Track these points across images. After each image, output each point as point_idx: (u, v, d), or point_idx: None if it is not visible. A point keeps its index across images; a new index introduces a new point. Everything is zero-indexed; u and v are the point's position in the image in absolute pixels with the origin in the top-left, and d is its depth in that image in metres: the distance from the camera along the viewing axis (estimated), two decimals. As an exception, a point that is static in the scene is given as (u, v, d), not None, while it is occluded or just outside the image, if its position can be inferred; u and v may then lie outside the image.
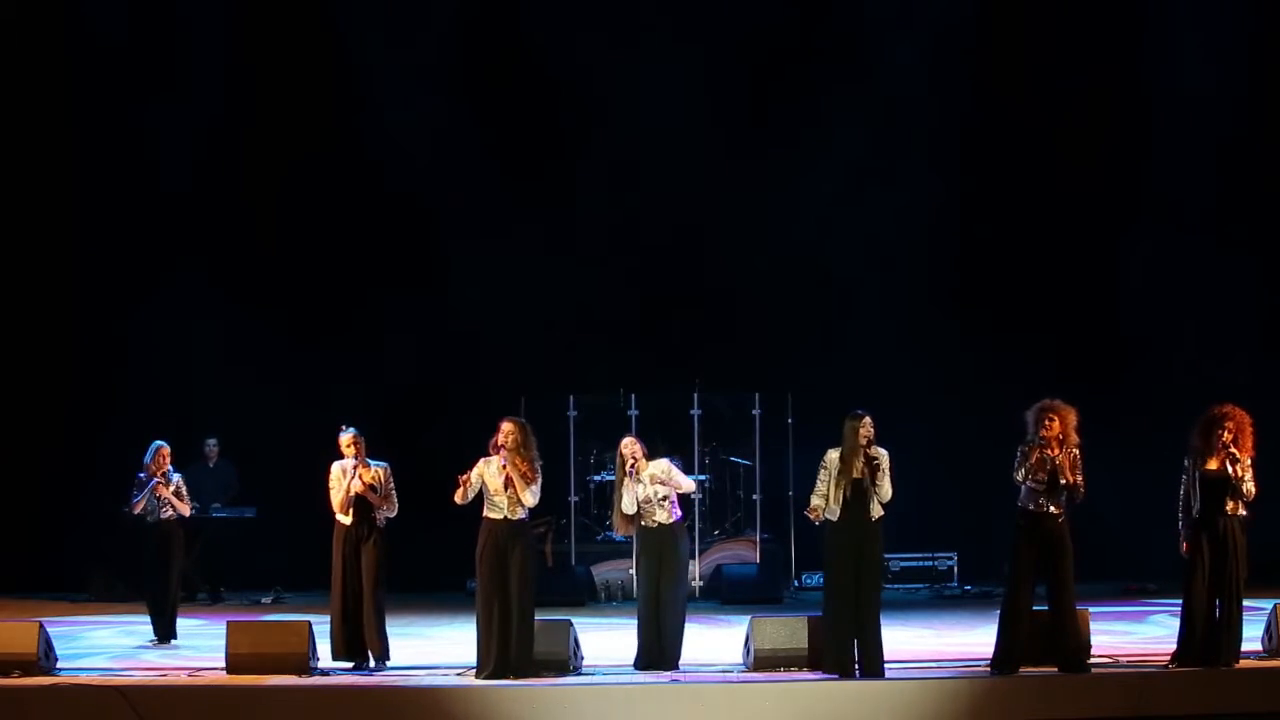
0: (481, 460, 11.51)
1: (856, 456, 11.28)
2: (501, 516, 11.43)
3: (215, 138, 18.42)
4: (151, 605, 13.73)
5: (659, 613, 11.79)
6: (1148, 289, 18.52)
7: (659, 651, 11.76)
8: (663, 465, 11.90)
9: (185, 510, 13.75)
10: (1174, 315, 18.41)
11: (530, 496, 11.45)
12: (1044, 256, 18.59)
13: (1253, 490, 11.34)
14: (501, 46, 18.65)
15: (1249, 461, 11.32)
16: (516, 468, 11.39)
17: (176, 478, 13.65)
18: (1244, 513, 11.38)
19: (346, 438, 11.94)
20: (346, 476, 11.91)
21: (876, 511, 11.34)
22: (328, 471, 12.00)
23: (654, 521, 11.84)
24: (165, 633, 13.58)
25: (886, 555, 15.01)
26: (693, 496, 15.94)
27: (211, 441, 17.51)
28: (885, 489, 11.32)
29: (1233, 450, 11.28)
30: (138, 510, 13.61)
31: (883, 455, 11.35)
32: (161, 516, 13.60)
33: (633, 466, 11.80)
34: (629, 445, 11.91)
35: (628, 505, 11.87)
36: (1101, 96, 18.56)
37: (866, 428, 11.30)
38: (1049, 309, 18.47)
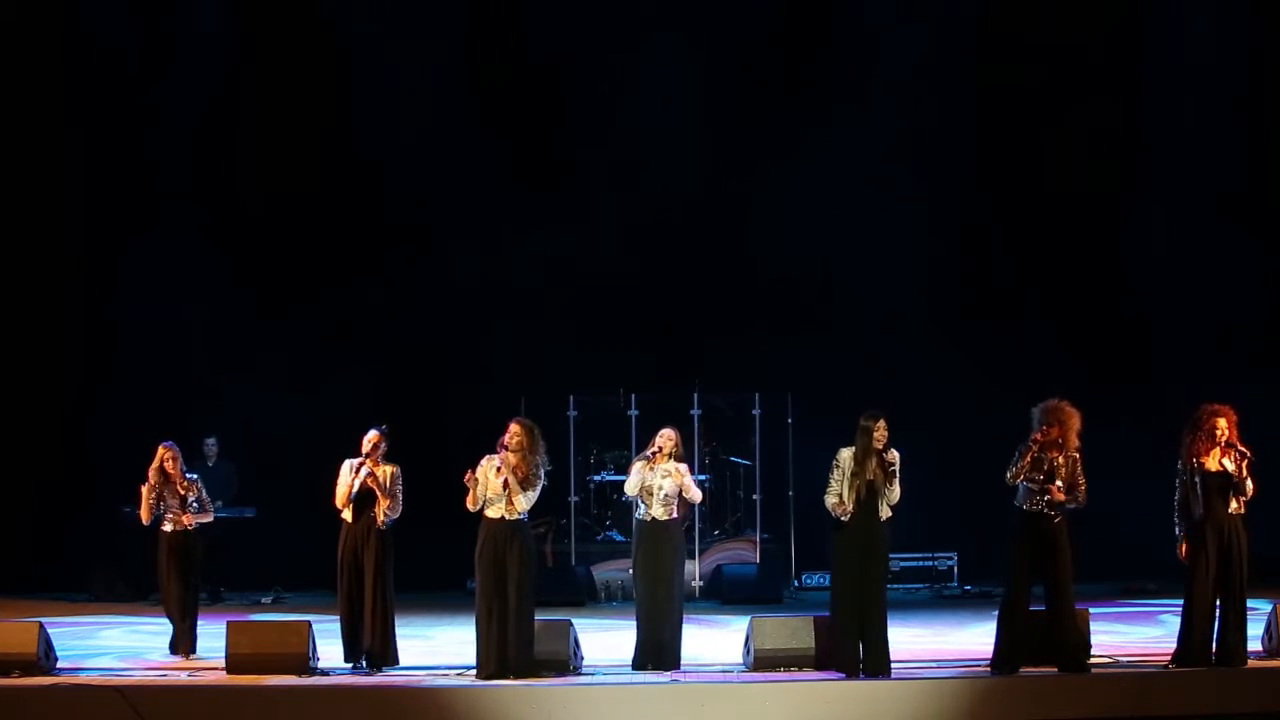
0: (485, 458, 11.52)
1: (870, 458, 11.29)
2: (499, 516, 11.43)
3: (214, 132, 18.42)
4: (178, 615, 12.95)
5: (655, 611, 11.79)
6: (1150, 287, 18.52)
7: (657, 651, 11.76)
8: (680, 468, 11.93)
9: (189, 520, 12.97)
10: (1176, 313, 18.41)
11: (523, 501, 11.44)
12: (1045, 256, 18.59)
13: (1251, 488, 11.32)
14: (503, 43, 18.65)
15: (1244, 454, 11.31)
16: (514, 470, 11.38)
17: (193, 479, 12.98)
18: (1244, 511, 11.38)
19: (374, 436, 11.95)
20: (352, 473, 11.93)
21: (885, 513, 11.35)
22: (338, 468, 12.03)
23: (650, 515, 11.86)
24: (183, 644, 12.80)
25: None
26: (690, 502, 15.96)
27: (210, 441, 17.50)
28: (895, 492, 11.33)
29: (1239, 447, 11.28)
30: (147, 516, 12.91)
31: (896, 457, 11.36)
32: (168, 526, 12.84)
33: (653, 452, 11.87)
34: (663, 436, 11.97)
35: (630, 487, 11.97)
36: (1104, 91, 18.54)
37: (881, 430, 11.31)
38: (1050, 308, 18.47)
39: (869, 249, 18.26)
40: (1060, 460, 11.28)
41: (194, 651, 12.72)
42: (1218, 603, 11.37)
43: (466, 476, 11.42)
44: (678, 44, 18.28)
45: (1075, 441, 11.33)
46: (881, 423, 11.32)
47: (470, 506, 11.52)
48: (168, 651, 12.82)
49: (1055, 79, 18.39)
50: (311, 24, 18.41)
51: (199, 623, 12.98)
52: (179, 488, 12.78)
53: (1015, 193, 18.57)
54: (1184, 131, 18.43)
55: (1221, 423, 11.30)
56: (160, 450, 12.89)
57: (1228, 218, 18.39)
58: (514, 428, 11.51)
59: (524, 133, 18.52)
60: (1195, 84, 18.43)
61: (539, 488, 11.52)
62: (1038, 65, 18.37)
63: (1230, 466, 11.29)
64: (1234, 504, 11.32)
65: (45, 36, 18.24)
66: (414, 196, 18.49)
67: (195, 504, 12.88)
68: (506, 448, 11.44)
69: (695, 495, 12.23)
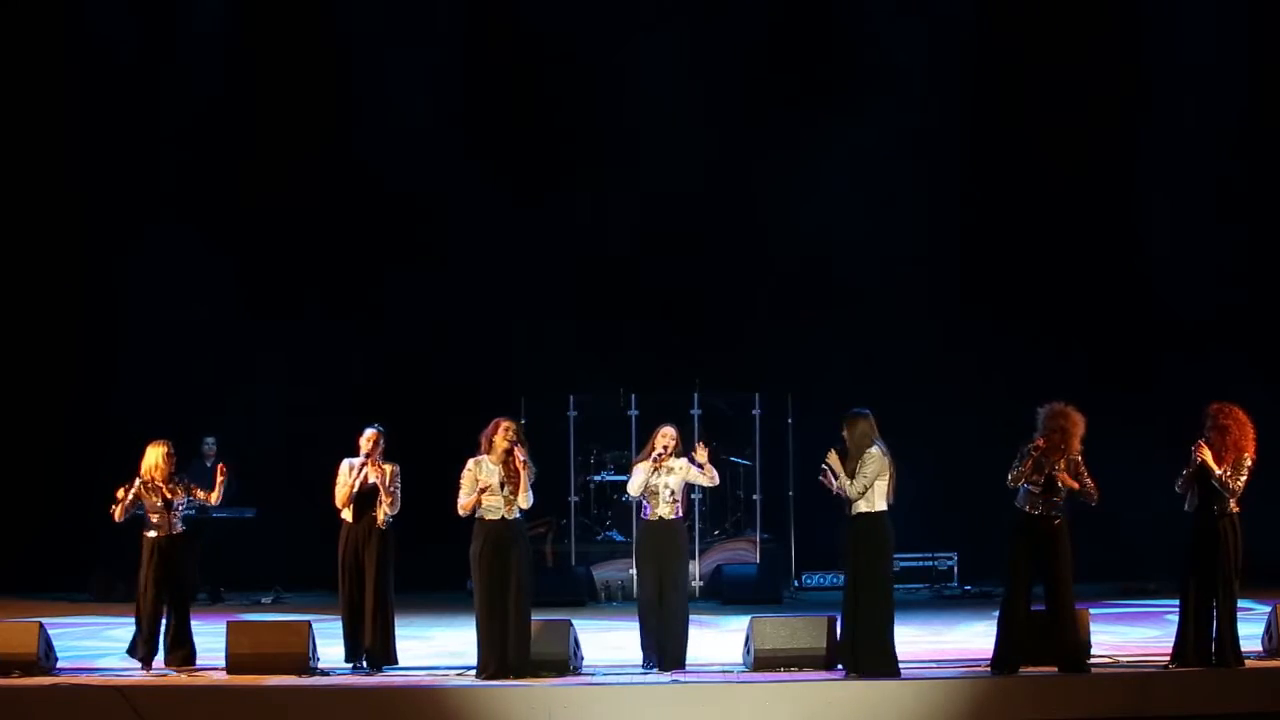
0: (472, 461, 11.49)
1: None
2: (499, 517, 11.41)
3: (215, 133, 18.44)
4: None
5: (665, 611, 11.72)
6: (1151, 286, 18.52)
7: (662, 650, 11.70)
8: (681, 464, 11.86)
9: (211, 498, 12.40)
10: (1177, 313, 18.40)
11: (528, 497, 11.45)
12: (1046, 255, 18.59)
13: (1239, 488, 11.28)
14: (503, 42, 18.66)
15: (1246, 459, 11.29)
16: (523, 464, 11.37)
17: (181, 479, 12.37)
18: (1236, 509, 11.34)
19: (372, 435, 11.93)
20: (353, 473, 11.92)
21: (859, 508, 11.31)
22: (337, 468, 12.02)
23: (656, 515, 11.81)
24: (144, 650, 12.07)
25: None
26: (693, 496, 15.99)
27: (210, 440, 17.47)
28: (848, 488, 11.29)
29: (1230, 449, 11.25)
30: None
31: (869, 457, 11.30)
32: (153, 532, 12.11)
33: (659, 455, 11.77)
34: (666, 435, 11.84)
35: (634, 487, 11.88)
36: (1104, 90, 18.54)
37: (846, 429, 11.39)
38: (1050, 307, 18.48)
39: (869, 249, 18.27)
40: (1062, 465, 11.28)
41: (152, 658, 12.01)
42: (1214, 602, 11.36)
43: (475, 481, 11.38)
44: (677, 45, 18.30)
45: (1078, 447, 11.32)
46: (845, 422, 11.40)
47: (462, 512, 11.49)
48: (125, 654, 12.21)
49: (1055, 78, 18.39)
50: (310, 24, 18.43)
51: (194, 623, 12.71)
52: (166, 491, 12.14)
53: (1015, 193, 18.57)
54: (1185, 131, 18.44)
55: (1226, 421, 11.28)
56: (162, 446, 12.22)
57: (1229, 217, 18.40)
58: (512, 425, 11.48)
59: (524, 132, 18.53)
60: (1196, 84, 18.44)
61: None
62: (1038, 64, 18.38)
63: (1219, 470, 11.26)
64: (1230, 505, 11.30)
65: (46, 39, 18.25)
66: (413, 196, 18.49)
67: (183, 507, 12.26)
68: (515, 444, 11.40)
69: (714, 478, 12.06)
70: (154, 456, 12.24)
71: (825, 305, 18.56)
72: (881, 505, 11.35)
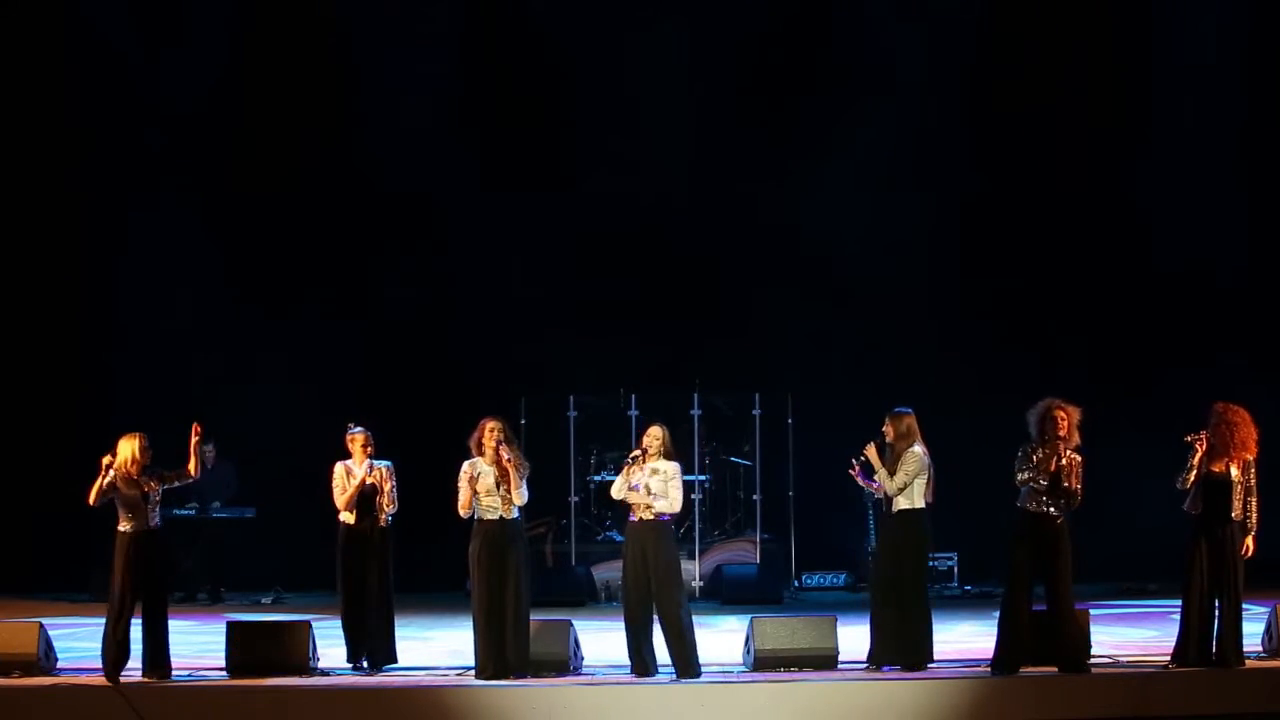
0: (467, 464, 11.47)
1: None
2: (497, 517, 11.40)
3: (212, 132, 18.44)
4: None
5: (647, 615, 11.43)
6: (1151, 288, 18.51)
7: (646, 661, 11.44)
8: (669, 469, 11.54)
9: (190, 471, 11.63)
10: (1177, 314, 18.40)
11: (522, 494, 11.42)
12: (1045, 256, 18.58)
13: (1254, 502, 11.29)
14: (502, 42, 18.66)
15: (1249, 458, 11.30)
16: (515, 463, 11.35)
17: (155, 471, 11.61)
18: (1245, 515, 11.33)
19: (361, 436, 11.92)
20: (350, 475, 11.90)
21: (898, 504, 11.57)
22: (330, 472, 12.00)
23: (638, 516, 11.54)
24: (113, 655, 11.52)
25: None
26: (693, 496, 15.84)
27: (208, 446, 17.43)
28: (888, 484, 11.53)
29: (1236, 447, 11.25)
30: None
31: (910, 456, 11.54)
32: (126, 526, 11.56)
33: (635, 455, 11.57)
34: (650, 435, 11.61)
35: (616, 489, 11.67)
36: (1106, 90, 18.54)
37: (886, 425, 11.65)
38: (1050, 308, 18.47)
39: (870, 249, 18.25)
40: (1065, 460, 11.28)
41: (122, 665, 11.44)
42: (1216, 603, 11.36)
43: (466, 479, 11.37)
44: (678, 43, 18.30)
45: (1077, 438, 11.34)
46: (888, 418, 11.64)
47: (463, 512, 11.48)
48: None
49: (1056, 79, 18.38)
50: (310, 23, 18.42)
51: (193, 623, 12.78)
52: (143, 484, 11.51)
53: (1016, 193, 18.56)
54: (1186, 131, 18.44)
55: (1231, 418, 11.28)
56: (136, 439, 11.60)
57: (1230, 217, 18.40)
58: (498, 425, 11.43)
59: (523, 131, 18.53)
60: (1198, 84, 18.44)
61: None
62: (1038, 64, 18.37)
63: (1235, 473, 11.26)
64: (1235, 508, 11.29)
65: (48, 38, 18.26)
66: (413, 196, 18.49)
67: (158, 498, 11.57)
68: (502, 443, 11.39)
69: (672, 505, 11.48)
70: (128, 450, 11.57)
71: (825, 305, 18.53)
72: (921, 503, 11.56)
